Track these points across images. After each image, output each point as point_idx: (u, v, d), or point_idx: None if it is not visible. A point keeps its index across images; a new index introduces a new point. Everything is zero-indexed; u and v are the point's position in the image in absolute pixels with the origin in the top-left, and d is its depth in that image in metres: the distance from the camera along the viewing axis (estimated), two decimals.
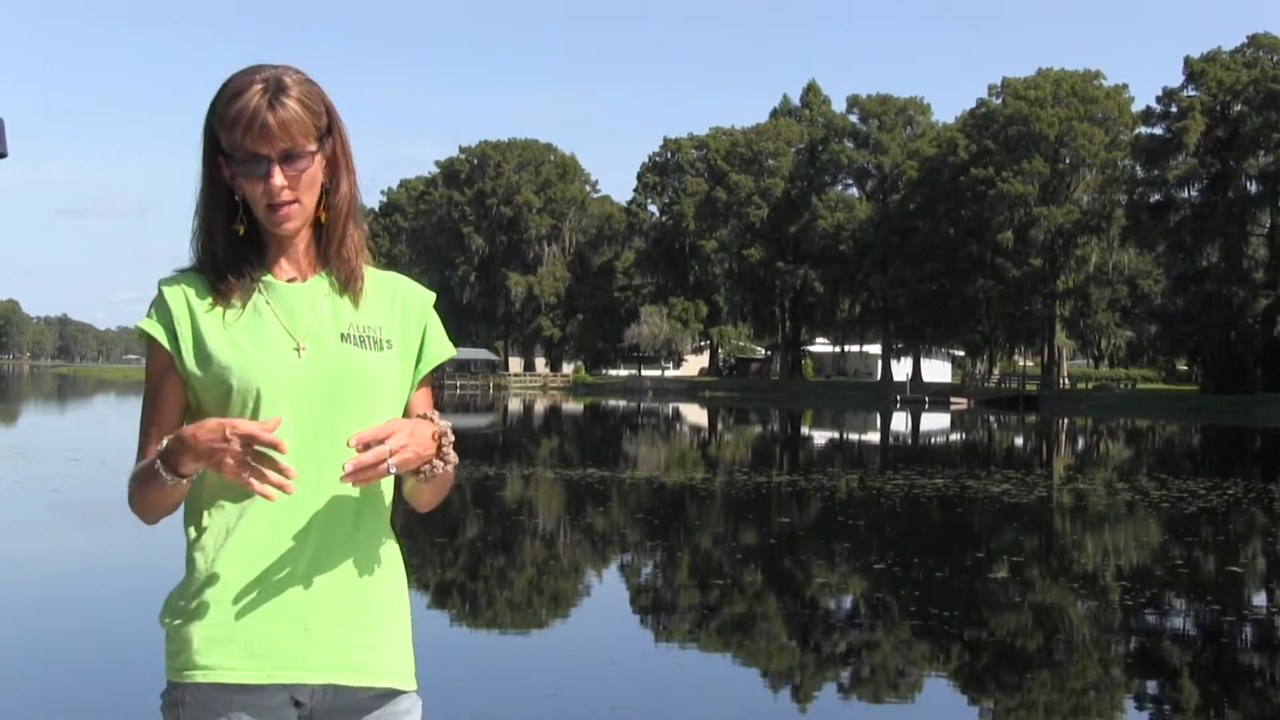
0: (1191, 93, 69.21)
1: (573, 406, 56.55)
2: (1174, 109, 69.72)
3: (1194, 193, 69.83)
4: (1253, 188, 68.55)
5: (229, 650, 1.74)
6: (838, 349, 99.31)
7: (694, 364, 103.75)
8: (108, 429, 31.84)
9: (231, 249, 1.83)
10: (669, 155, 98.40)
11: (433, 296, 1.97)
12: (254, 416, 1.76)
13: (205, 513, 1.80)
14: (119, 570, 9.33)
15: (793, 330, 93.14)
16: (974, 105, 79.87)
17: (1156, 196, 70.69)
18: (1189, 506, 14.96)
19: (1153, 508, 15.09)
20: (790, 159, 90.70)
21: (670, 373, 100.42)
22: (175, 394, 1.83)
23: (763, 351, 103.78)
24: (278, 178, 1.76)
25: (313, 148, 1.79)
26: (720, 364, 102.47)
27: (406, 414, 1.91)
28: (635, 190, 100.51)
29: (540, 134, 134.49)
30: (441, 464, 1.77)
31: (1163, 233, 69.45)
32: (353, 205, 1.88)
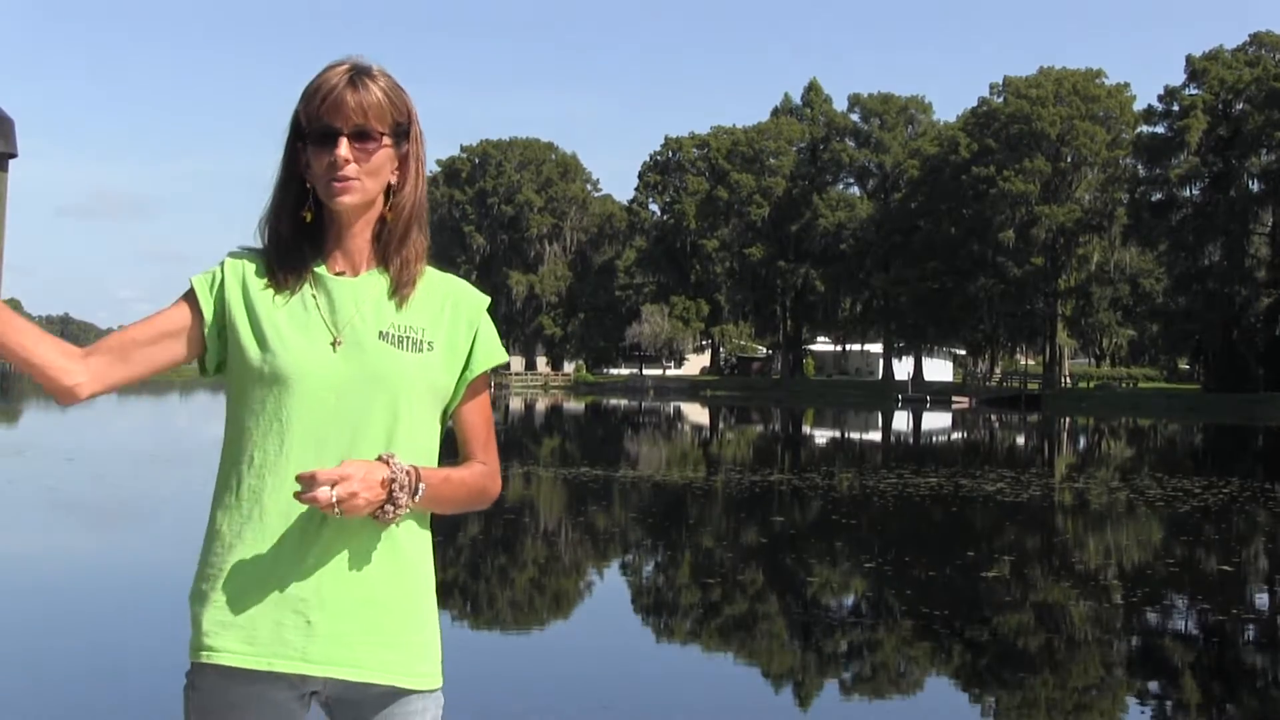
0: (1193, 91, 69.26)
1: (574, 405, 56.57)
2: (1176, 107, 69.78)
3: (1196, 191, 69.90)
4: (1255, 186, 68.60)
5: (233, 635, 1.77)
6: (839, 348, 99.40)
7: (695, 363, 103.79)
8: (109, 428, 31.86)
9: (295, 234, 1.86)
10: (670, 154, 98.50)
11: (486, 301, 1.97)
12: (278, 402, 1.80)
13: (225, 499, 1.83)
14: (115, 571, 9.34)
15: (794, 329, 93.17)
16: (975, 104, 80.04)
17: (1158, 195, 70.75)
18: (1184, 505, 14.96)
19: (1149, 507, 15.09)
20: (792, 158, 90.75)
21: (671, 372, 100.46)
22: (159, 332, 1.84)
23: (764, 350, 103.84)
24: (343, 149, 1.79)
25: (385, 133, 1.82)
26: (721, 363, 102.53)
27: (458, 420, 1.94)
28: (636, 189, 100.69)
29: (541, 133, 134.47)
30: (392, 509, 1.75)
31: (1164, 231, 69.50)
32: (418, 210, 1.90)
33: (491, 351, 1.93)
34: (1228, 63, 68.53)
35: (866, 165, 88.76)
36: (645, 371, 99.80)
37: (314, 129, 1.80)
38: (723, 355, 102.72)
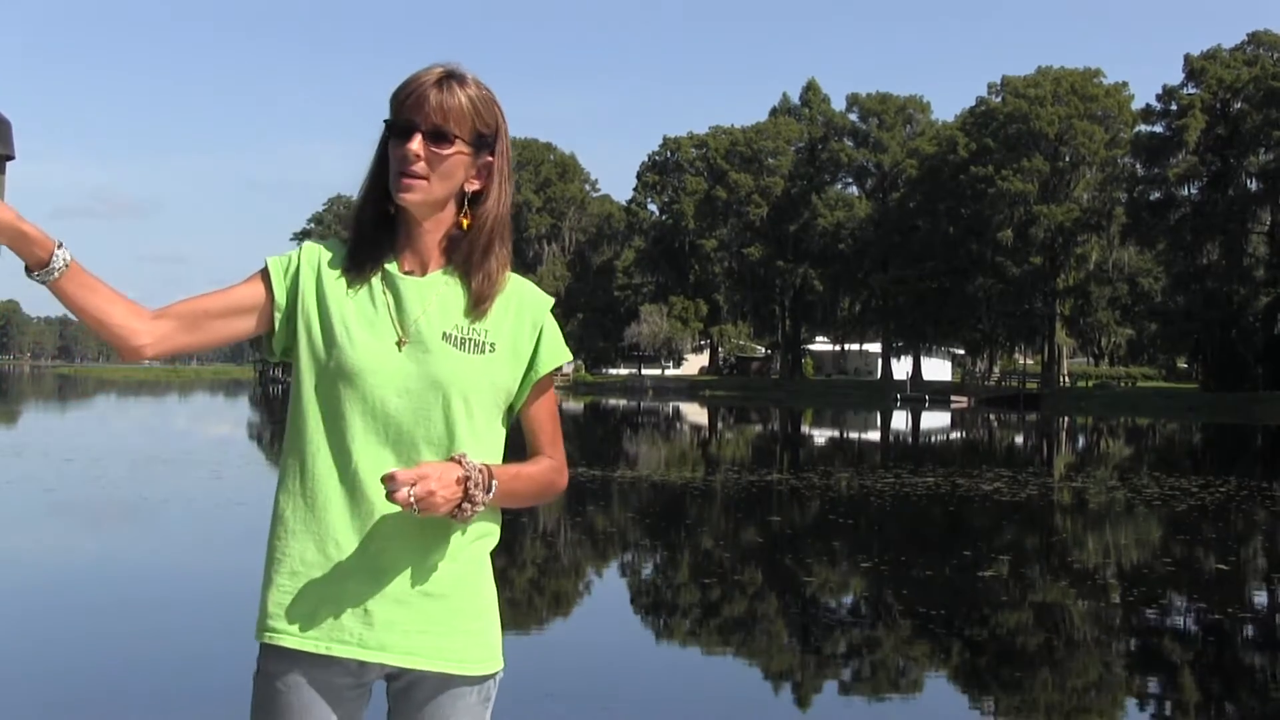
0: (1192, 90, 69.29)
1: (573, 405, 56.53)
2: (1174, 107, 69.79)
3: (1194, 190, 69.92)
4: (1253, 185, 68.65)
5: (294, 618, 1.85)
6: (838, 348, 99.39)
7: (694, 363, 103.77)
8: (107, 429, 31.87)
9: (375, 226, 1.91)
10: (669, 154, 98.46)
11: (550, 301, 2.01)
12: (343, 397, 1.86)
13: (290, 485, 1.90)
14: (111, 571, 9.34)
15: (793, 329, 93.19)
16: (974, 103, 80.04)
17: (1157, 194, 70.78)
18: (1181, 504, 14.97)
19: (1147, 506, 15.09)
20: (790, 157, 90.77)
21: (670, 371, 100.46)
22: (230, 306, 1.89)
23: (763, 350, 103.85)
24: (416, 144, 1.83)
25: (463, 138, 1.86)
26: (720, 363, 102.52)
27: (524, 418, 2.00)
28: (635, 189, 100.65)
29: (539, 133, 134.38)
30: (470, 507, 1.80)
31: (1163, 230, 69.52)
32: (501, 222, 1.94)
33: (556, 352, 1.98)
34: (1226, 62, 68.54)
35: (865, 165, 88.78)
36: (644, 371, 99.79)
37: (396, 122, 1.86)
38: (721, 355, 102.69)
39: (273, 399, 58.48)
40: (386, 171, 1.89)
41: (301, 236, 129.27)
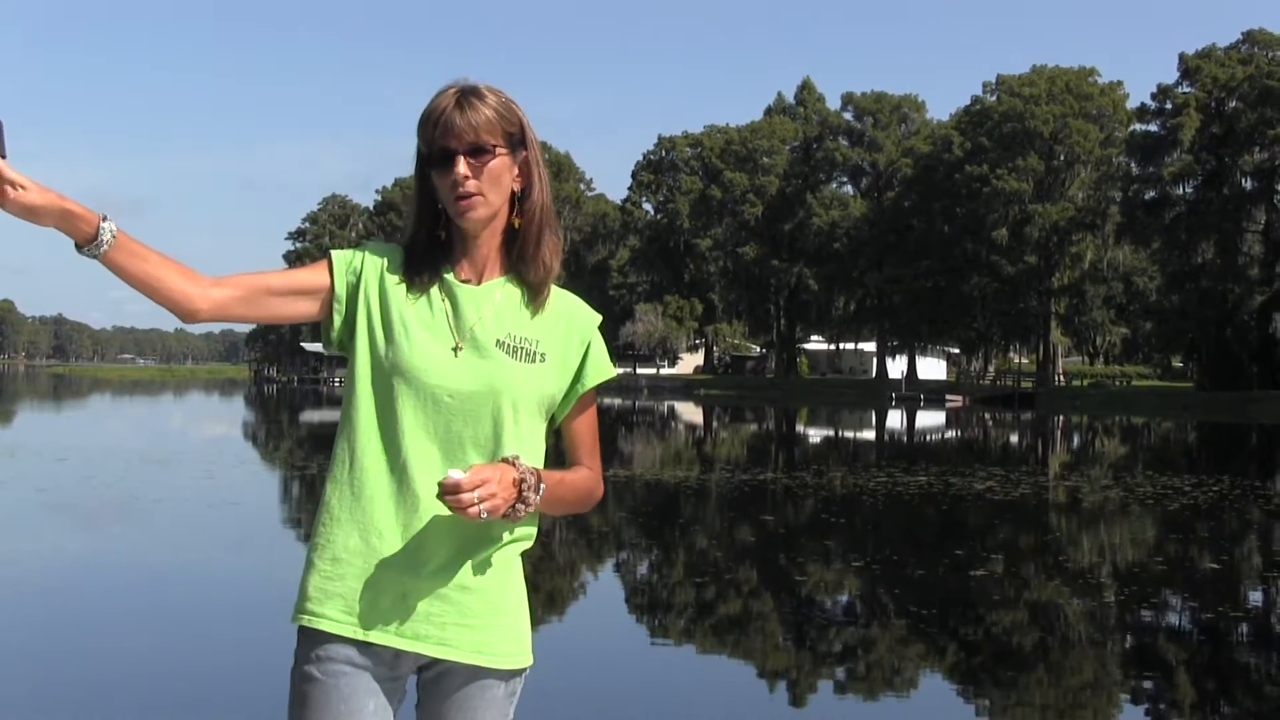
0: (1186, 89, 69.33)
1: None
2: (1169, 105, 69.84)
3: (1189, 189, 69.95)
4: (1248, 184, 68.68)
5: (334, 604, 1.91)
6: (833, 346, 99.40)
7: (689, 362, 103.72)
8: (101, 429, 31.82)
9: (430, 249, 1.98)
10: (664, 153, 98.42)
11: (598, 318, 2.12)
12: (397, 396, 1.91)
13: (339, 474, 1.95)
14: (104, 572, 9.34)
15: (788, 328, 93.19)
16: (969, 102, 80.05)
17: (1151, 193, 70.79)
18: (1173, 503, 15.00)
19: (1140, 505, 15.12)
20: (785, 156, 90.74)
21: (665, 371, 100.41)
22: (293, 287, 1.94)
23: (758, 349, 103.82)
24: (461, 166, 1.89)
25: (499, 145, 1.92)
26: (715, 362, 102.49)
27: (566, 429, 2.10)
28: (630, 188, 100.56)
29: (534, 131, 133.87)
30: (523, 507, 1.87)
31: (1158, 229, 69.57)
32: (547, 210, 2.01)
33: (601, 368, 2.09)
34: (1221, 60, 68.60)
35: (860, 164, 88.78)
36: (639, 371, 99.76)
37: (434, 153, 1.91)
38: (716, 354, 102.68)
39: (268, 399, 58.41)
40: (430, 203, 1.96)
41: (297, 236, 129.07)
